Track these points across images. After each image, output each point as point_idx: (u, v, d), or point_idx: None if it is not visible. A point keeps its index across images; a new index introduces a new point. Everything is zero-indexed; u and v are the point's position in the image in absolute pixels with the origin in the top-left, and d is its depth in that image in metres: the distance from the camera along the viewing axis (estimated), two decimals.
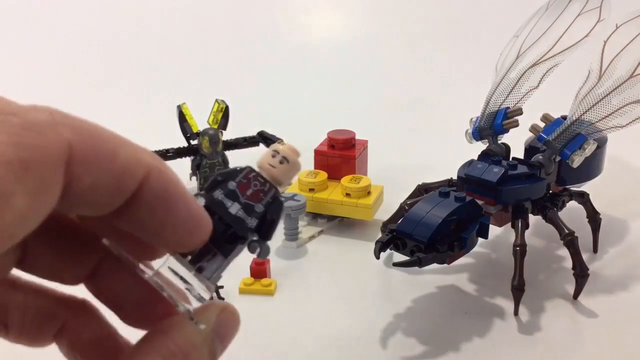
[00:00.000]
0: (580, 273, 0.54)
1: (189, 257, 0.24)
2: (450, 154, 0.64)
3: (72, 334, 0.24)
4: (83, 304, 0.25)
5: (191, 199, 0.20)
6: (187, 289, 0.23)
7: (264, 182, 0.26)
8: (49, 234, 0.22)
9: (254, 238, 0.25)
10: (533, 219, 0.58)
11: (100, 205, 0.18)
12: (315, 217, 0.67)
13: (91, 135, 0.17)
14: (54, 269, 0.23)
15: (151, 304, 0.24)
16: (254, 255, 0.26)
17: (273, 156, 0.26)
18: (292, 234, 0.64)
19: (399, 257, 0.52)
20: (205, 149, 0.71)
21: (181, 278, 0.23)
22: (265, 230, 0.26)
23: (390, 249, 0.52)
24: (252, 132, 0.76)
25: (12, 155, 0.15)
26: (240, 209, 0.25)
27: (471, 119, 0.62)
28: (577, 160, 0.56)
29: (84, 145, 0.17)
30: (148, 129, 0.88)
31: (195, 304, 0.23)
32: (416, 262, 0.49)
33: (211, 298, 0.24)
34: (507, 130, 0.60)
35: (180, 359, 0.21)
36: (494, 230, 0.58)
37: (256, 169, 0.26)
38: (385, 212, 0.64)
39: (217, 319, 0.23)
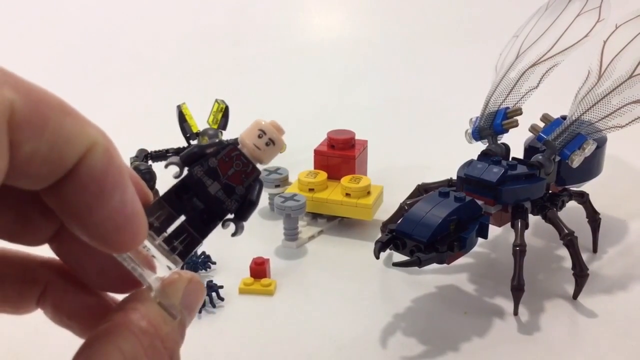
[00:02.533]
0: (580, 273, 0.54)
1: (163, 235, 0.23)
2: (450, 154, 0.64)
3: (55, 297, 0.23)
4: (62, 266, 0.23)
5: (130, 190, 0.18)
6: (154, 257, 0.23)
7: (247, 163, 0.25)
8: (2, 193, 0.19)
9: (230, 216, 0.24)
10: (533, 219, 0.58)
11: (37, 178, 0.16)
12: (315, 217, 0.67)
13: (36, 99, 0.16)
14: (12, 231, 0.21)
15: (117, 270, 0.22)
16: (230, 234, 0.25)
17: (259, 136, 0.25)
18: (292, 234, 0.64)
19: (399, 257, 0.52)
20: None
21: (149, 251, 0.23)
22: (242, 212, 0.25)
23: (390, 249, 0.52)
24: None
25: None
26: (220, 190, 0.24)
27: (471, 119, 0.62)
28: (576, 160, 0.56)
29: (27, 108, 0.15)
30: (148, 129, 0.88)
31: (162, 274, 0.22)
32: (416, 262, 0.49)
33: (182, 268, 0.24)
34: (506, 130, 0.60)
35: (152, 334, 0.20)
36: (493, 230, 0.58)
37: (239, 145, 0.25)
38: (385, 212, 0.64)
39: (185, 290, 0.22)
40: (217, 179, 0.24)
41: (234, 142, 0.25)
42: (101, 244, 0.18)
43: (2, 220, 0.21)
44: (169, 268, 0.23)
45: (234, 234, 0.25)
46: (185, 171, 0.24)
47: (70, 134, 0.16)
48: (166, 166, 0.26)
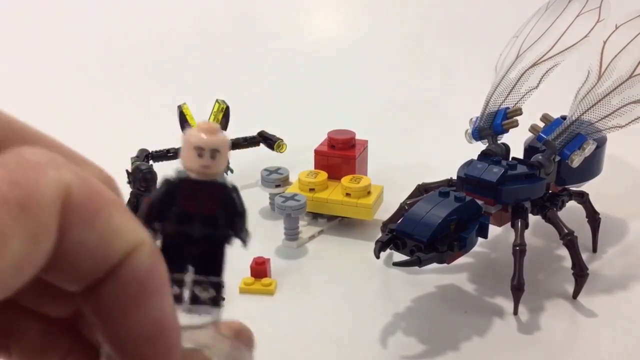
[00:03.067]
0: (580, 273, 0.54)
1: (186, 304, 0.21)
2: (450, 154, 0.64)
3: None
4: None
5: (170, 300, 0.17)
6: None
7: (208, 186, 0.21)
8: None
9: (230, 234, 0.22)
10: (532, 218, 0.58)
11: (78, 274, 0.15)
12: (315, 217, 0.68)
13: (92, 187, 0.15)
14: (38, 302, 0.20)
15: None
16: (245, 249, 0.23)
17: (200, 155, 0.21)
18: (292, 234, 0.64)
19: (399, 256, 0.52)
20: None
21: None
22: (237, 226, 0.22)
23: (390, 249, 0.52)
24: (252, 132, 0.76)
25: (8, 193, 0.14)
26: (202, 227, 0.21)
27: (471, 119, 0.62)
28: (576, 160, 0.56)
29: (82, 194, 0.15)
30: (149, 129, 0.88)
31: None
32: (416, 261, 0.49)
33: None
34: (506, 131, 0.60)
35: None
36: (493, 230, 0.58)
37: (189, 174, 0.21)
38: (385, 212, 0.64)
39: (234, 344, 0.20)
40: (191, 221, 0.21)
41: (181, 174, 0.21)
42: (128, 355, 0.16)
43: (31, 292, 0.19)
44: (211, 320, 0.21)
45: (244, 246, 0.23)
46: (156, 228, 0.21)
47: (120, 229, 0.16)
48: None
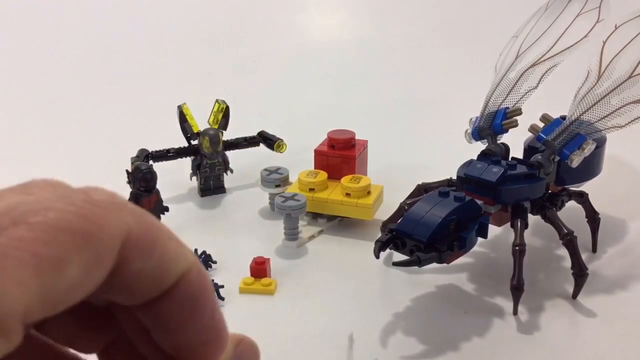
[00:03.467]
0: (579, 272, 0.55)
1: None
2: (449, 154, 0.64)
3: None
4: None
5: (219, 310, 0.19)
6: None
7: None
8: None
9: None
10: (532, 218, 0.58)
11: (138, 294, 0.18)
12: (315, 217, 0.68)
13: (148, 224, 0.18)
14: (70, 335, 0.22)
15: None
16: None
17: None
18: (292, 234, 0.64)
19: (399, 256, 0.52)
20: (205, 149, 0.71)
21: None
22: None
23: (390, 249, 0.52)
24: (252, 132, 0.76)
25: (77, 225, 0.16)
26: None
27: (470, 119, 0.63)
28: (576, 160, 0.56)
29: (140, 231, 0.17)
30: (149, 129, 0.88)
31: None
32: (416, 261, 0.49)
33: None
34: (506, 131, 0.61)
35: None
36: (493, 230, 0.58)
37: None
38: (385, 211, 0.64)
39: (235, 352, 0.21)
40: None
41: None
42: (187, 355, 0.19)
43: (64, 324, 0.21)
44: None
45: None
46: None
47: (173, 257, 0.18)
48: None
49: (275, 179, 0.69)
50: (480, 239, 0.55)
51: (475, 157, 0.58)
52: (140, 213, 0.17)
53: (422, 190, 0.61)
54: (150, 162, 0.69)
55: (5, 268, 0.14)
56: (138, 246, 0.17)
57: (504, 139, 0.62)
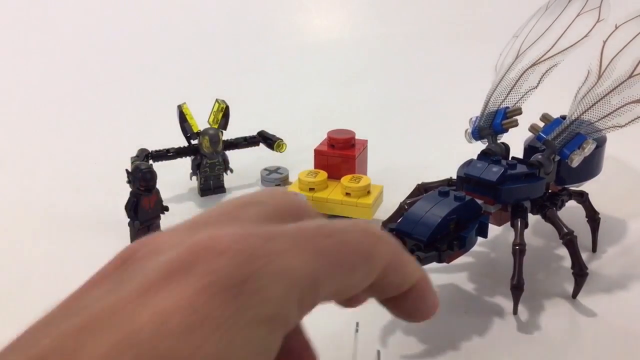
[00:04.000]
0: (579, 272, 0.54)
1: None
2: (449, 154, 0.64)
3: None
4: None
5: (435, 298, 0.26)
6: None
7: None
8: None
9: None
10: (532, 218, 0.58)
11: (386, 293, 0.24)
12: None
13: (399, 250, 0.24)
14: None
15: None
16: None
17: None
18: None
19: None
20: (205, 148, 0.71)
21: None
22: None
23: None
24: (252, 132, 0.76)
25: (366, 247, 0.22)
26: None
27: (471, 118, 0.63)
28: (576, 160, 0.56)
29: (394, 256, 0.23)
30: (149, 129, 0.88)
31: None
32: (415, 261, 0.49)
33: None
34: (506, 130, 0.61)
35: None
36: (493, 229, 0.58)
37: None
38: (385, 211, 0.64)
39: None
40: None
41: None
42: (417, 319, 0.26)
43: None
44: None
45: None
46: None
47: (411, 273, 0.24)
48: None
49: (275, 178, 0.69)
50: (480, 239, 0.55)
51: (475, 157, 0.58)
52: (396, 243, 0.23)
53: (422, 190, 0.61)
54: (150, 161, 0.69)
55: (335, 264, 0.21)
56: (392, 267, 0.23)
57: (504, 138, 0.62)
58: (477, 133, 0.61)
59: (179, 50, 1.22)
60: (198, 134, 0.71)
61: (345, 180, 0.66)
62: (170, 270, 0.18)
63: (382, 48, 1.22)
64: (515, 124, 0.60)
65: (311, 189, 0.66)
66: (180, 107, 0.72)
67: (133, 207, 0.61)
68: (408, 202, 0.59)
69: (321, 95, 1.05)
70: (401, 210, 0.60)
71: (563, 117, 0.58)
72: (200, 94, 0.83)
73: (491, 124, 0.60)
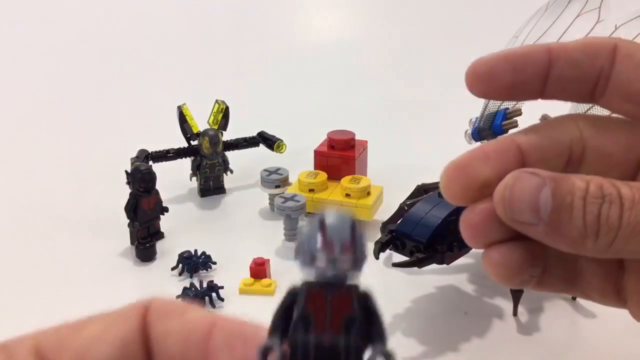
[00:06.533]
0: None
1: None
2: (450, 155, 0.64)
3: None
4: None
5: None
6: None
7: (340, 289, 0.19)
8: None
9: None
10: None
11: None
12: None
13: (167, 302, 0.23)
14: None
15: None
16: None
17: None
18: (292, 234, 0.64)
19: (399, 257, 0.52)
20: (205, 149, 0.71)
21: None
22: (378, 333, 0.19)
23: (390, 249, 0.52)
24: (252, 132, 0.76)
25: None
26: (342, 337, 0.19)
27: (470, 119, 0.62)
28: None
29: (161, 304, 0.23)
30: (148, 130, 0.88)
31: None
32: (415, 262, 0.49)
33: None
34: (506, 131, 0.60)
35: None
36: None
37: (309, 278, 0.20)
38: (385, 212, 0.64)
39: None
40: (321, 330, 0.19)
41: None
42: None
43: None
44: None
45: None
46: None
47: (195, 318, 0.23)
48: None
49: (275, 179, 0.68)
50: None
51: None
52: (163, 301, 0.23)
53: (422, 191, 0.61)
54: (150, 162, 0.69)
55: None
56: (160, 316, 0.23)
57: None
58: (477, 134, 0.61)
59: (179, 50, 1.22)
60: (198, 135, 0.71)
61: (345, 181, 0.66)
62: None
63: (383, 48, 1.22)
64: (515, 124, 0.60)
65: (311, 190, 0.66)
66: (180, 108, 0.72)
67: (132, 208, 0.61)
68: (408, 203, 0.59)
69: (321, 95, 1.04)
70: (401, 211, 0.60)
71: None
72: (200, 95, 0.82)
73: (491, 125, 0.60)
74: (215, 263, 0.60)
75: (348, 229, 0.19)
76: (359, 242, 0.19)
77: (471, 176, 0.26)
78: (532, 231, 0.24)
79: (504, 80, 0.26)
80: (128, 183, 0.62)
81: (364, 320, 0.19)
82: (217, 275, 0.59)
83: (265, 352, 0.19)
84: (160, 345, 0.22)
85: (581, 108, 0.57)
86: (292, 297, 0.20)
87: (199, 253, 0.60)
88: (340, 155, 0.69)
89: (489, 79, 0.26)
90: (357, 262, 0.19)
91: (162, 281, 0.59)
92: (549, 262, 0.25)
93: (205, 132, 0.71)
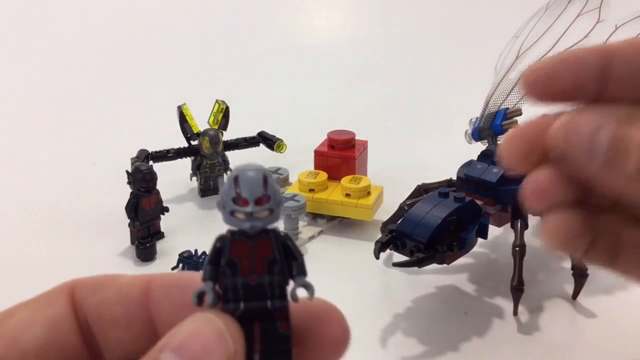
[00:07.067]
0: (579, 273, 0.55)
1: None
2: (450, 155, 0.64)
3: None
4: None
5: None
6: None
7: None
8: None
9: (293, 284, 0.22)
10: (532, 219, 0.58)
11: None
12: (315, 217, 0.68)
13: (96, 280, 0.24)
14: None
15: None
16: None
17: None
18: (292, 234, 0.64)
19: (399, 257, 0.52)
20: (205, 149, 0.71)
21: None
22: (298, 269, 0.23)
23: (390, 249, 0.52)
24: (252, 132, 0.76)
25: None
26: (258, 276, 0.22)
27: (471, 119, 0.63)
28: None
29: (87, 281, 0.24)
30: (149, 130, 0.88)
31: None
32: (415, 262, 0.49)
33: None
34: (506, 131, 0.60)
35: None
36: (493, 230, 0.58)
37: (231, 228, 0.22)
38: (385, 212, 0.64)
39: None
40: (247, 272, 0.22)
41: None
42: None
43: None
44: None
45: (310, 297, 0.23)
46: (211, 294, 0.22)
47: (128, 282, 0.25)
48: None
49: (275, 179, 0.69)
50: (480, 240, 0.55)
51: (475, 158, 0.58)
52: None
53: (422, 190, 0.61)
54: (150, 162, 0.69)
55: None
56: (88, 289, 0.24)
57: None
58: (477, 134, 0.61)
59: (179, 50, 1.22)
60: (198, 135, 0.71)
61: (346, 181, 0.66)
62: None
63: (382, 48, 1.22)
64: (515, 124, 0.60)
65: (311, 190, 0.66)
66: (180, 108, 0.72)
67: (133, 208, 0.61)
68: (408, 203, 0.59)
69: (321, 95, 1.05)
70: (401, 211, 0.60)
71: None
72: (200, 95, 0.83)
73: (491, 125, 0.60)
74: None
75: (260, 182, 0.21)
76: (271, 193, 0.21)
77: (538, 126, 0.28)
78: (587, 165, 0.24)
79: (563, 83, 0.27)
80: (129, 183, 0.62)
81: (285, 260, 0.22)
82: None
83: (200, 295, 0.22)
84: (99, 315, 0.23)
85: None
86: (219, 245, 0.22)
87: (199, 253, 0.60)
88: (340, 155, 0.69)
89: (548, 83, 0.26)
90: (272, 210, 0.22)
91: None
92: (598, 232, 0.26)
93: (205, 132, 0.71)
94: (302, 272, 0.23)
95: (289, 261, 0.22)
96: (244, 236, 0.22)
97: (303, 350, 0.23)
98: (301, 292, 0.23)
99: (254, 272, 0.22)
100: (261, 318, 0.22)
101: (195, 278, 0.23)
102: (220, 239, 0.22)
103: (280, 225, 0.64)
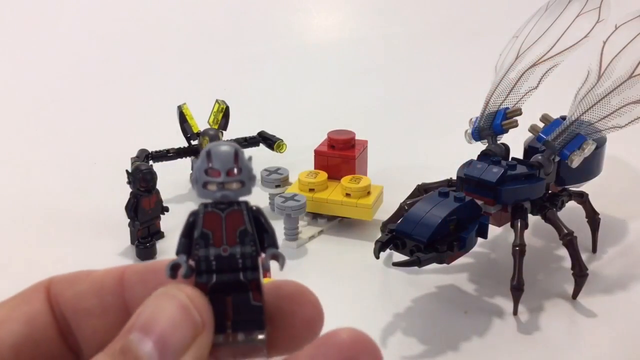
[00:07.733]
0: (579, 273, 0.55)
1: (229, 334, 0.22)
2: (450, 154, 0.64)
3: None
4: None
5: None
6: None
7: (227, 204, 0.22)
8: None
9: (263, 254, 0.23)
10: (532, 219, 0.58)
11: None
12: (315, 217, 0.68)
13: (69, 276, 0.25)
14: None
15: None
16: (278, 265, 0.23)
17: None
18: (291, 234, 0.64)
19: (399, 256, 0.52)
20: None
21: None
22: (269, 241, 0.23)
23: (390, 249, 0.52)
24: (252, 132, 0.76)
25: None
26: (231, 247, 0.22)
27: (470, 119, 0.63)
28: (576, 161, 0.56)
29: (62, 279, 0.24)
30: (149, 129, 0.88)
31: None
32: (415, 262, 0.49)
33: None
34: (506, 131, 0.61)
35: None
36: (493, 230, 0.58)
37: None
38: (385, 212, 0.64)
39: None
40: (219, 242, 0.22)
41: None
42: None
43: None
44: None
45: (281, 267, 0.23)
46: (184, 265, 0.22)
47: (103, 274, 0.25)
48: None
49: (275, 179, 0.69)
50: (480, 239, 0.55)
51: (475, 158, 0.58)
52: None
53: (422, 190, 0.61)
54: (150, 162, 0.69)
55: None
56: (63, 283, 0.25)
57: (504, 139, 0.62)
58: (477, 134, 0.61)
59: (178, 50, 1.22)
60: (198, 135, 0.71)
61: (345, 180, 0.66)
62: None
63: (382, 48, 1.22)
64: (515, 124, 0.60)
65: (311, 190, 0.66)
66: (180, 108, 0.72)
67: (133, 208, 0.61)
68: (408, 202, 0.59)
69: (321, 95, 1.04)
70: (401, 211, 0.60)
71: (563, 118, 0.58)
72: (200, 94, 0.83)
73: (491, 125, 0.60)
74: None
75: (231, 155, 0.22)
76: (242, 166, 0.22)
77: None
78: None
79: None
80: (129, 183, 0.62)
81: (256, 231, 0.23)
82: None
83: (174, 267, 0.22)
84: (75, 307, 0.24)
85: (581, 109, 0.57)
86: (192, 218, 0.23)
87: None
88: (340, 155, 0.69)
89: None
90: (244, 182, 0.22)
91: None
92: None
93: (205, 132, 0.71)
94: (274, 243, 0.23)
95: (260, 234, 0.23)
96: (216, 208, 0.22)
97: (277, 330, 0.23)
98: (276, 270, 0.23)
99: (226, 243, 0.22)
100: (233, 290, 0.22)
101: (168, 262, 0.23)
102: (194, 214, 0.22)
103: (280, 225, 0.64)
